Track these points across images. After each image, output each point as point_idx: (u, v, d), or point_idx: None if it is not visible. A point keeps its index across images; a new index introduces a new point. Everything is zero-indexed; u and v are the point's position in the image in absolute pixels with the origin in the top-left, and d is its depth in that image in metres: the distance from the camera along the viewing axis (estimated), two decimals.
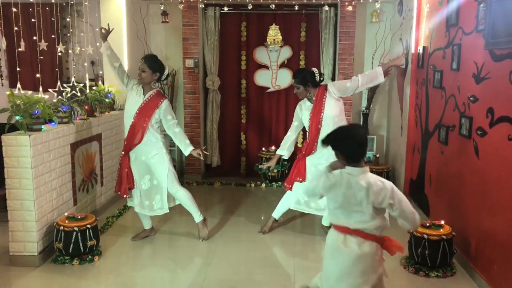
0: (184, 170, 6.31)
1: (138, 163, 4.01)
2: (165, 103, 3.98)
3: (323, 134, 3.98)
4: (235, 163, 6.55)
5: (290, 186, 4.17)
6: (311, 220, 4.66)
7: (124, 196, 4.06)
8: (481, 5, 3.38)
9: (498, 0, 3.11)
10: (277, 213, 4.33)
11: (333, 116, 3.99)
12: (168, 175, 3.96)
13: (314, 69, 4.09)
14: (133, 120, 3.92)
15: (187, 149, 4.01)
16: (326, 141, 2.43)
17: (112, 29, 4.13)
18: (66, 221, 3.72)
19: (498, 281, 3.07)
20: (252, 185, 6.04)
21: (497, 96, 3.12)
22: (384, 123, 6.36)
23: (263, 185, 6.03)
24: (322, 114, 4.00)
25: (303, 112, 4.15)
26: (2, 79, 6.43)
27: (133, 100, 3.97)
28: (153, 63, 3.96)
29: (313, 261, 3.83)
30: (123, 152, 4.04)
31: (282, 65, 6.30)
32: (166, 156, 4.00)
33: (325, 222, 4.36)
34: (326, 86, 4.07)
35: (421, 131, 4.83)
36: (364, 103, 6.23)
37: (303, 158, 4.13)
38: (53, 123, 3.89)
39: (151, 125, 3.95)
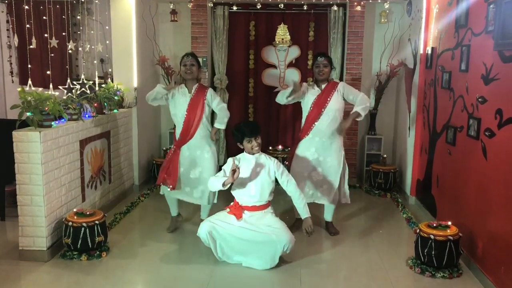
0: None
1: (192, 157, 4.17)
2: (210, 90, 4.23)
3: (321, 122, 4.14)
4: None
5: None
6: (317, 218, 4.66)
7: (170, 187, 4.17)
8: (490, 6, 3.38)
9: (508, 1, 3.10)
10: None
11: (334, 110, 4.13)
12: (215, 173, 4.14)
13: None
14: (185, 115, 4.11)
15: (219, 125, 4.26)
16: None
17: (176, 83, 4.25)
18: (75, 217, 3.75)
19: (505, 283, 3.07)
20: None
21: (506, 97, 3.11)
22: (392, 124, 6.35)
23: None
24: (326, 104, 4.12)
25: (308, 94, 4.22)
26: (13, 76, 6.49)
27: (180, 101, 4.15)
28: (197, 58, 4.24)
29: (319, 260, 3.85)
30: (174, 147, 4.19)
31: (290, 65, 6.31)
32: (216, 153, 4.23)
33: (327, 217, 4.39)
34: (337, 83, 4.20)
35: (429, 131, 4.82)
36: (372, 103, 6.23)
37: (296, 144, 4.28)
38: (62, 120, 3.94)
39: (206, 117, 4.17)
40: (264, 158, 3.75)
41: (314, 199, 4.28)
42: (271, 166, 3.72)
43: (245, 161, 3.72)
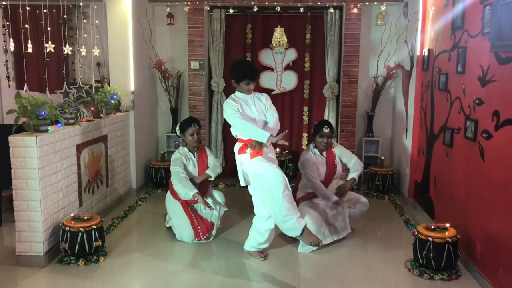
0: None
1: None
2: (208, 150, 4.54)
3: (331, 186, 4.31)
4: None
5: None
6: None
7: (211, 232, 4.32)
8: (486, 7, 3.38)
9: (504, 3, 3.10)
10: None
11: (340, 173, 4.41)
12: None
13: None
14: (198, 186, 4.27)
15: (211, 172, 4.40)
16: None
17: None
18: (72, 222, 3.74)
19: (504, 284, 3.06)
20: None
21: (503, 99, 3.11)
22: (389, 126, 6.35)
23: None
24: (336, 169, 4.33)
25: (316, 162, 4.31)
26: (9, 81, 6.47)
27: (189, 165, 4.34)
28: (200, 124, 4.47)
29: (317, 262, 3.84)
30: (189, 205, 4.31)
31: (287, 67, 6.31)
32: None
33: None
34: (332, 146, 4.39)
35: (426, 133, 4.82)
36: (369, 105, 6.23)
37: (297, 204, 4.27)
38: (59, 124, 3.92)
39: None
40: (257, 94, 3.88)
41: (334, 238, 4.18)
42: (262, 99, 3.86)
43: (243, 102, 3.76)
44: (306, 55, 6.27)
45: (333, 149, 4.37)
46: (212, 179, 4.37)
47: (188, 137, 4.34)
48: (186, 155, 4.37)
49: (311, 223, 3.88)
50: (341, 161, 4.41)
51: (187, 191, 4.06)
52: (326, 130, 4.25)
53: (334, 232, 4.17)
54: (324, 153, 4.33)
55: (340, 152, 4.41)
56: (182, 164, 4.28)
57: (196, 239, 4.16)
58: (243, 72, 3.75)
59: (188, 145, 4.38)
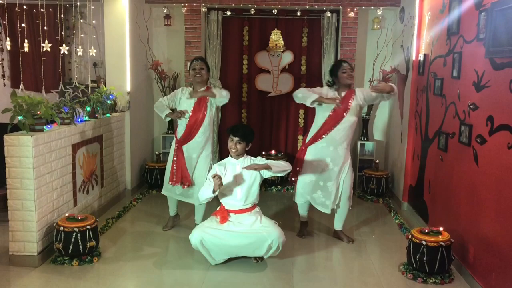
0: None
1: (188, 159, 4.25)
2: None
3: (337, 131, 4.12)
4: None
5: (295, 178, 4.28)
6: (310, 222, 4.66)
7: (187, 185, 4.22)
8: (482, 13, 3.41)
9: (499, 9, 3.13)
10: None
11: (352, 120, 4.14)
12: (206, 174, 4.17)
13: None
14: (190, 115, 4.18)
15: (216, 91, 4.24)
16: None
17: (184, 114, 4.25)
18: (66, 222, 3.72)
19: None
20: None
21: (497, 105, 3.14)
22: (384, 129, 6.38)
23: (263, 189, 6.04)
24: (345, 114, 4.10)
25: (327, 93, 4.19)
26: (4, 79, 6.45)
27: (186, 103, 4.23)
28: (206, 62, 4.36)
29: (312, 265, 3.84)
30: (176, 145, 4.25)
31: (284, 70, 6.32)
32: (211, 155, 4.34)
33: (337, 226, 4.36)
34: (354, 90, 4.20)
35: (421, 138, 4.85)
36: (365, 109, 6.25)
37: (305, 149, 4.24)
38: (49, 126, 3.88)
39: (209, 118, 4.24)
40: (248, 161, 3.76)
41: (327, 209, 4.21)
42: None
43: (230, 165, 3.74)
44: (302, 58, 6.29)
45: (353, 93, 4.15)
46: (215, 96, 4.18)
47: (190, 71, 4.28)
48: (186, 92, 4.26)
49: (301, 186, 4.23)
50: (362, 106, 4.23)
51: (161, 114, 4.22)
52: (345, 63, 4.15)
53: (324, 196, 4.19)
54: (342, 93, 4.15)
55: (363, 93, 4.16)
56: (170, 99, 4.28)
57: (170, 182, 4.22)
58: (229, 128, 3.77)
59: (193, 83, 4.29)
